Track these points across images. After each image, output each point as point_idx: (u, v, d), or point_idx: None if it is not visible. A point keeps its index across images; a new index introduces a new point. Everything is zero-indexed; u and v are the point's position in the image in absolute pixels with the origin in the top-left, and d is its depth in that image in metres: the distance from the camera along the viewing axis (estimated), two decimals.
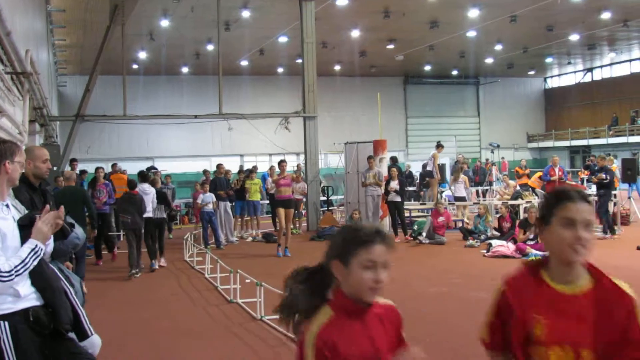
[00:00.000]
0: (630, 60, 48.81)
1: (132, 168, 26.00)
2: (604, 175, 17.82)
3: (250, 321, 9.17)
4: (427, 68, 47.20)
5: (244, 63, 39.79)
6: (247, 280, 10.68)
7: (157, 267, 14.23)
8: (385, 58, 40.70)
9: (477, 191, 26.33)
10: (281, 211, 15.57)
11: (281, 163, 16.25)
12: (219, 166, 19.19)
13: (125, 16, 21.81)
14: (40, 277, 4.10)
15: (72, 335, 4.38)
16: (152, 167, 28.85)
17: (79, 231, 5.08)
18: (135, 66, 38.45)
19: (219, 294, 11.11)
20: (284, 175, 15.97)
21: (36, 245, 3.91)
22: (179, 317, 9.71)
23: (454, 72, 49.86)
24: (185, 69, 42.11)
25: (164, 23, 28.45)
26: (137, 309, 10.41)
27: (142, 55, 35.74)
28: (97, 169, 16.82)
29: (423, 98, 51.51)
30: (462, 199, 20.55)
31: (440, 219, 17.29)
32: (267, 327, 8.75)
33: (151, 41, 31.57)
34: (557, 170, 20.63)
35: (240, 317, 9.44)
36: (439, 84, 51.81)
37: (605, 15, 31.19)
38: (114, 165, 22.06)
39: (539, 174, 23.89)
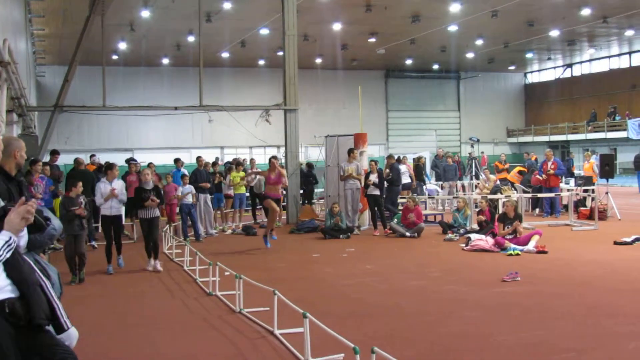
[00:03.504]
0: (609, 57, 49.22)
1: (112, 159, 25.78)
2: (387, 171, 18.95)
3: (229, 314, 9.15)
4: (408, 62, 47.28)
5: (225, 55, 39.64)
6: (227, 273, 10.65)
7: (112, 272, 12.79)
8: (367, 51, 40.73)
9: (461, 185, 26.39)
10: (271, 202, 15.24)
11: (272, 160, 15.64)
12: (198, 158, 19.12)
13: (105, 6, 21.62)
14: (15, 269, 4.06)
15: (49, 328, 4.34)
16: (132, 159, 28.67)
17: (55, 223, 5.03)
18: (115, 57, 38.15)
19: (198, 287, 11.08)
20: (275, 172, 15.38)
21: (10, 237, 3.88)
22: (158, 310, 9.67)
23: (435, 67, 50.01)
24: (165, 60, 41.87)
25: (145, 14, 28.25)
26: (115, 302, 10.35)
27: (122, 45, 35.48)
28: (33, 161, 14.45)
29: (404, 92, 51.65)
30: (408, 186, 21.89)
31: (410, 215, 17.36)
32: (245, 319, 8.74)
33: (131, 32, 31.34)
34: (550, 164, 20.74)
35: (219, 310, 9.42)
36: (420, 78, 51.96)
37: (585, 12, 31.43)
38: (92, 157, 21.95)
39: (519, 168, 24.06)
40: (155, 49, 37.80)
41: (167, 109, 24.81)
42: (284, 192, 21.42)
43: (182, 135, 43.79)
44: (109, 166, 13.57)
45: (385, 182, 18.53)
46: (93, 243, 16.26)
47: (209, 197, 18.39)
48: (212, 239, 17.88)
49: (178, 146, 42.79)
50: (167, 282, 11.69)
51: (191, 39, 33.25)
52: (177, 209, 17.87)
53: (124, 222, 14.91)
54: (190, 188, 17.30)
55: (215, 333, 8.23)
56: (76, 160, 17.59)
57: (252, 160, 23.21)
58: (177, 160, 20.27)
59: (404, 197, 19.68)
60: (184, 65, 40.68)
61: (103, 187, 12.98)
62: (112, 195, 12.78)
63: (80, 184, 12.44)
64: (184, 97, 32.02)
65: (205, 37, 26.46)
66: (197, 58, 23.23)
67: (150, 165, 20.15)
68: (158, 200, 13.01)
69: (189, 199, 17.13)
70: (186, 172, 18.50)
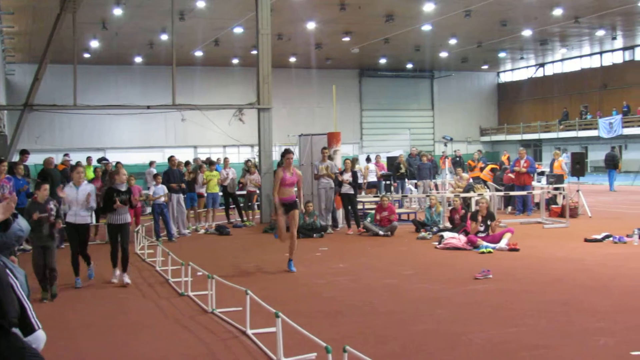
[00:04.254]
0: (580, 56, 49.80)
1: (84, 159, 25.52)
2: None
3: (202, 314, 9.10)
4: (383, 61, 47.45)
5: (199, 53, 39.48)
6: (199, 273, 10.59)
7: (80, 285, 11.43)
8: (341, 50, 40.79)
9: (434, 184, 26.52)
10: (281, 220, 12.34)
11: (286, 154, 12.60)
12: (171, 158, 18.97)
13: (76, 3, 21.37)
14: None
15: (16, 330, 4.28)
16: (103, 158, 28.47)
17: (22, 223, 4.95)
18: (87, 55, 37.85)
19: (170, 287, 11.00)
20: (291, 171, 12.35)
21: None
22: (129, 311, 9.58)
23: (409, 66, 50.23)
24: (138, 59, 41.60)
25: (117, 12, 28.03)
26: (86, 303, 10.23)
27: (94, 44, 35.20)
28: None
29: (378, 91, 51.86)
30: (374, 184, 22.65)
31: (384, 213, 17.42)
32: (218, 319, 8.70)
33: (104, 30, 31.07)
34: (522, 162, 20.95)
35: (191, 310, 9.36)
36: (394, 77, 52.19)
37: (557, 12, 31.76)
38: (65, 155, 21.72)
39: (491, 166, 24.23)
40: (128, 47, 37.54)
41: (139, 108, 24.57)
42: (258, 192, 21.37)
43: (154, 135, 43.57)
44: (72, 167, 12.09)
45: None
46: (62, 246, 15.85)
47: (181, 196, 18.26)
48: (185, 239, 17.76)
49: (151, 145, 42.54)
50: (138, 283, 11.59)
51: (164, 37, 33.06)
52: (147, 210, 17.68)
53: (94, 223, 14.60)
54: (162, 188, 17.16)
55: (187, 333, 8.17)
56: (46, 161, 16.97)
57: (225, 159, 23.06)
58: (171, 158, 19.58)
59: (378, 196, 19.72)
60: (156, 64, 40.42)
61: (68, 191, 11.33)
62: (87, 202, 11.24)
63: (47, 186, 10.84)
64: (156, 96, 31.81)
65: (179, 36, 26.32)
66: (170, 57, 23.04)
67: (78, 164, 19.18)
68: (127, 205, 11.50)
69: (162, 199, 17.00)
70: (155, 171, 18.32)
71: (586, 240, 15.07)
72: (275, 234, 12.76)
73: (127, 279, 11.45)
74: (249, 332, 7.81)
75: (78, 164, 14.87)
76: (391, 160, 25.38)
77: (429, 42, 39.68)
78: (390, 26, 33.03)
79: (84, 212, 11.32)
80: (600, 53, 48.39)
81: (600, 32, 39.48)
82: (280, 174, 12.19)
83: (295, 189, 12.41)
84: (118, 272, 11.59)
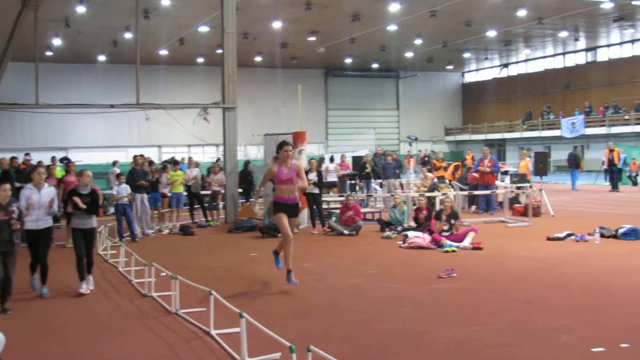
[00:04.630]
0: (544, 57, 50.46)
1: (47, 159, 25.18)
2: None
3: (165, 315, 9.01)
4: (348, 61, 47.55)
5: (163, 52, 39.21)
6: (163, 274, 10.49)
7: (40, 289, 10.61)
8: (307, 50, 40.80)
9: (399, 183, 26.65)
10: (283, 218, 10.36)
11: (283, 146, 10.47)
12: (135, 157, 18.78)
13: (38, 0, 21.06)
14: None
15: None
16: (65, 158, 28.11)
17: None
18: (49, 53, 37.35)
19: (133, 288, 10.87)
20: (288, 166, 10.40)
21: None
22: (91, 312, 9.45)
23: (375, 65, 50.42)
24: (102, 57, 41.16)
25: (80, 9, 27.70)
26: (47, 304, 10.07)
27: (57, 42, 34.74)
28: None
29: (344, 90, 52.00)
30: (333, 184, 22.81)
31: (349, 213, 17.45)
32: (181, 320, 8.62)
33: (66, 28, 30.68)
34: (486, 162, 21.16)
35: (155, 311, 9.26)
36: (360, 77, 52.36)
37: (521, 13, 32.15)
38: (26, 154, 21.39)
39: (455, 164, 24.50)
40: (91, 45, 37.13)
41: (102, 107, 24.33)
42: (223, 192, 21.25)
43: (118, 134, 43.14)
44: (33, 168, 11.02)
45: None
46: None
47: (145, 196, 18.05)
48: (149, 240, 17.58)
49: (115, 145, 42.09)
50: (101, 284, 11.43)
51: (128, 35, 32.74)
52: (111, 210, 17.44)
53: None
54: (125, 188, 16.96)
55: (150, 334, 8.09)
56: (2, 160, 16.48)
57: (190, 159, 22.92)
58: (135, 158, 19.35)
59: (343, 196, 19.75)
60: (120, 63, 40.01)
61: (28, 194, 10.29)
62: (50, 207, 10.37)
63: (8, 186, 9.63)
64: (120, 95, 31.44)
65: (143, 34, 26.05)
66: (134, 55, 22.80)
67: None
68: (84, 207, 10.47)
69: (125, 199, 16.80)
70: (118, 170, 18.11)
71: (549, 238, 15.26)
72: (277, 261, 10.85)
73: (91, 285, 10.69)
74: (213, 332, 7.75)
75: (39, 164, 14.55)
76: (356, 160, 25.43)
77: (395, 42, 39.88)
78: (356, 26, 33.13)
79: (44, 216, 10.37)
80: (563, 54, 49.09)
81: (563, 34, 40.07)
82: (273, 170, 10.34)
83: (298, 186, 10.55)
84: (85, 285, 10.60)
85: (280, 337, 6.03)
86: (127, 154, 36.80)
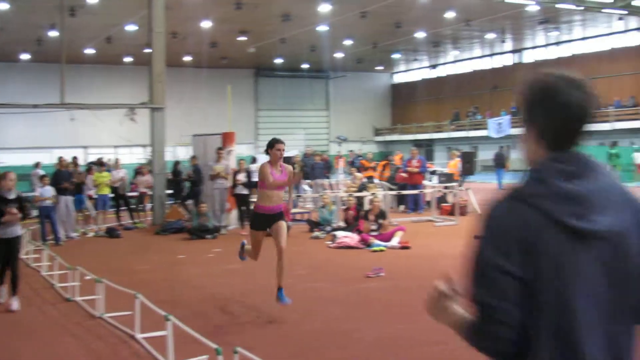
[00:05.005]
0: (471, 58, 51.47)
1: None
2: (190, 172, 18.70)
3: (89, 319, 8.82)
4: (279, 61, 47.52)
5: (90, 51, 38.39)
6: (87, 277, 10.26)
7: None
8: (237, 50, 40.62)
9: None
10: (258, 238, 9.58)
11: (275, 144, 9.08)
12: (60, 159, 18.33)
13: None
14: None
15: None
16: None
17: None
18: None
19: (56, 293, 10.60)
20: (279, 168, 9.11)
21: None
22: (12, 317, 9.17)
23: (305, 66, 50.52)
24: (25, 56, 40.03)
25: (3, 5, 26.87)
26: None
27: None
28: None
29: (274, 91, 51.95)
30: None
31: None
32: (106, 324, 8.46)
33: None
34: (414, 162, 21.46)
35: (78, 316, 9.06)
36: (290, 77, 52.39)
37: (450, 15, 32.70)
38: None
39: (383, 162, 24.83)
40: (14, 43, 36.06)
41: (25, 106, 23.68)
42: (150, 193, 20.92)
43: (42, 135, 41.99)
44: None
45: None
46: None
47: (70, 198, 17.61)
48: (74, 243, 17.17)
49: (39, 146, 40.96)
50: (23, 289, 11.07)
51: (53, 33, 31.88)
52: (34, 212, 16.92)
53: None
54: (49, 189, 16.51)
55: (73, 339, 7.91)
56: None
57: (117, 160, 22.51)
58: (60, 159, 18.83)
59: None
60: (45, 61, 38.90)
61: None
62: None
63: None
64: (44, 94, 30.56)
65: (69, 32, 25.40)
66: (59, 54, 22.24)
67: None
68: (20, 215, 9.59)
69: (48, 201, 16.35)
70: (42, 172, 17.66)
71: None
72: (241, 256, 10.23)
73: (15, 304, 9.55)
74: (138, 336, 7.62)
75: None
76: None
77: (325, 43, 40.01)
78: (287, 26, 33.12)
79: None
80: (491, 55, 50.17)
81: (491, 35, 40.98)
82: (266, 171, 8.86)
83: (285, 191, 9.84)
84: (4, 290, 9.96)
85: (207, 339, 5.99)
86: (52, 155, 35.87)
